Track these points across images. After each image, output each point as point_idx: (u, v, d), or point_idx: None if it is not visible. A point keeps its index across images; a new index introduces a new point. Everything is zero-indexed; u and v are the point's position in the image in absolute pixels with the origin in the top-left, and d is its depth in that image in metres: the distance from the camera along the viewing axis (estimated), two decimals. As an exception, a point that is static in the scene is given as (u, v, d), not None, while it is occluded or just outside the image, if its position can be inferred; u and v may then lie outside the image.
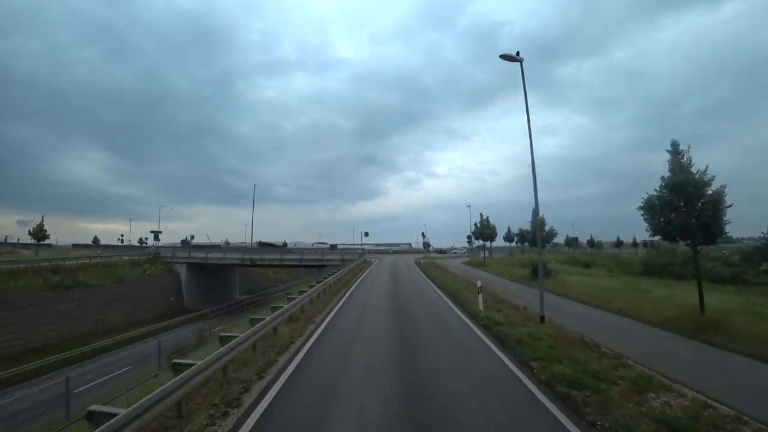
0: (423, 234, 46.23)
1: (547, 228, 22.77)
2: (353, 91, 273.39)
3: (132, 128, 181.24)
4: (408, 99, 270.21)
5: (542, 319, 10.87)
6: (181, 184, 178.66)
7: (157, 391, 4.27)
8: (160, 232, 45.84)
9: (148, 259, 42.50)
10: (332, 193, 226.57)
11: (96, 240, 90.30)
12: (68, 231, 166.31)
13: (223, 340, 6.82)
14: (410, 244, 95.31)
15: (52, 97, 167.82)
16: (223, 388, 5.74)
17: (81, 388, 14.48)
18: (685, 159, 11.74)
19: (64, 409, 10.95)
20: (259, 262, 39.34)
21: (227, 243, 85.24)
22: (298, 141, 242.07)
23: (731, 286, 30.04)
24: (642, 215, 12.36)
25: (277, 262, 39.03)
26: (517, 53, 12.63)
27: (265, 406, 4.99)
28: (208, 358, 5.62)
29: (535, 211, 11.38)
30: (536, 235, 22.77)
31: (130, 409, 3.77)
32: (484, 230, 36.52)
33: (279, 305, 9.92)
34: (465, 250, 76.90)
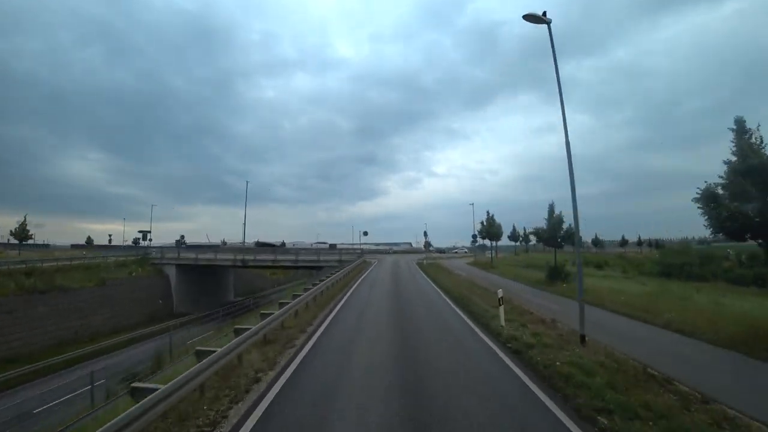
0: (425, 233, 44.06)
1: (564, 226, 20.53)
2: (353, 91, 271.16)
3: (132, 128, 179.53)
4: (408, 99, 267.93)
5: (582, 339, 8.66)
6: (181, 184, 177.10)
7: None
8: (149, 232, 43.73)
9: (136, 260, 40.34)
10: (332, 193, 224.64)
11: (89, 240, 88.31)
12: (69, 231, 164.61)
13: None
14: (410, 243, 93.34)
15: (52, 97, 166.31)
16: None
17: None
18: (754, 139, 9.52)
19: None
20: (251, 264, 37.16)
21: (224, 243, 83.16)
22: (298, 141, 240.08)
23: (755, 288, 27.87)
24: (699, 208, 10.17)
25: (270, 263, 36.81)
26: (544, 13, 10.42)
27: None
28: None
29: (574, 206, 9.14)
30: (556, 234, 20.70)
31: None
32: (491, 229, 34.33)
33: (246, 326, 7.71)
34: (466, 250, 74.71)
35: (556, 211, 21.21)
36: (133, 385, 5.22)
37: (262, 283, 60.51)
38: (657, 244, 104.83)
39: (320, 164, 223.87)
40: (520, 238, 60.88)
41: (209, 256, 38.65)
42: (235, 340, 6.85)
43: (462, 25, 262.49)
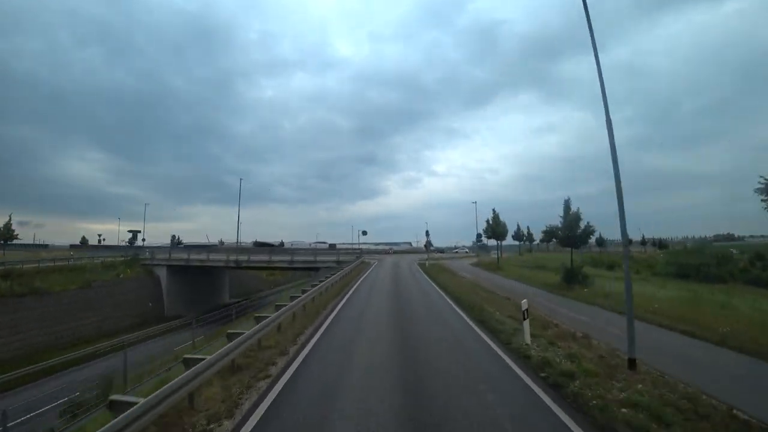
0: (427, 233, 42.38)
1: (582, 224, 18.72)
2: (353, 91, 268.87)
3: (132, 128, 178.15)
4: (408, 98, 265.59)
5: (632, 363, 6.94)
6: (181, 184, 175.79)
7: None
8: (139, 231, 42.00)
9: (125, 261, 38.65)
10: (332, 193, 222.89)
11: (84, 240, 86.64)
12: (69, 231, 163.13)
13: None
14: (410, 243, 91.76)
15: (51, 97, 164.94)
16: None
17: None
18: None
19: None
20: (245, 265, 35.43)
21: (221, 243, 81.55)
22: (298, 141, 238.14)
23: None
24: (762, 200, 8.44)
25: (265, 265, 35.08)
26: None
27: None
28: None
29: (619, 196, 7.43)
30: (573, 232, 18.85)
31: None
32: (497, 228, 32.54)
33: (200, 356, 6.00)
34: (466, 250, 72.96)
35: (565, 209, 19.46)
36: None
37: (259, 284, 58.85)
38: (660, 244, 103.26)
39: (320, 164, 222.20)
40: (524, 238, 59.10)
41: (201, 256, 36.95)
42: (187, 373, 5.14)
43: (462, 24, 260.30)
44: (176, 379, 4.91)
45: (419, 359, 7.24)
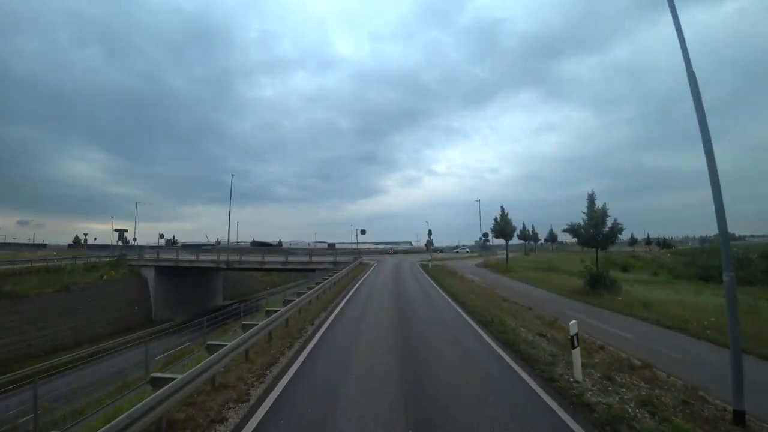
0: (429, 232, 40.20)
1: (609, 222, 16.50)
2: (353, 90, 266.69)
3: (132, 128, 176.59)
4: (408, 97, 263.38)
5: (739, 417, 4.84)
6: (181, 183, 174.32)
7: None
8: (126, 230, 39.99)
9: (110, 262, 36.57)
10: (332, 192, 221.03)
11: (77, 240, 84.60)
12: (69, 231, 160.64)
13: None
14: (410, 242, 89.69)
15: (51, 97, 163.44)
16: None
17: None
18: None
19: None
20: (236, 266, 33.32)
21: (218, 242, 79.57)
22: (298, 140, 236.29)
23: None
24: None
25: (257, 266, 32.97)
26: None
27: None
28: None
29: (715, 192, 5.25)
30: (598, 231, 16.55)
31: None
32: (506, 227, 30.35)
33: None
34: (467, 250, 70.93)
35: (590, 204, 17.28)
36: None
37: (255, 285, 56.70)
38: (665, 244, 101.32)
39: (320, 163, 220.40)
40: (529, 237, 57.07)
41: (191, 257, 34.87)
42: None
43: (462, 23, 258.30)
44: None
45: (433, 413, 5.08)
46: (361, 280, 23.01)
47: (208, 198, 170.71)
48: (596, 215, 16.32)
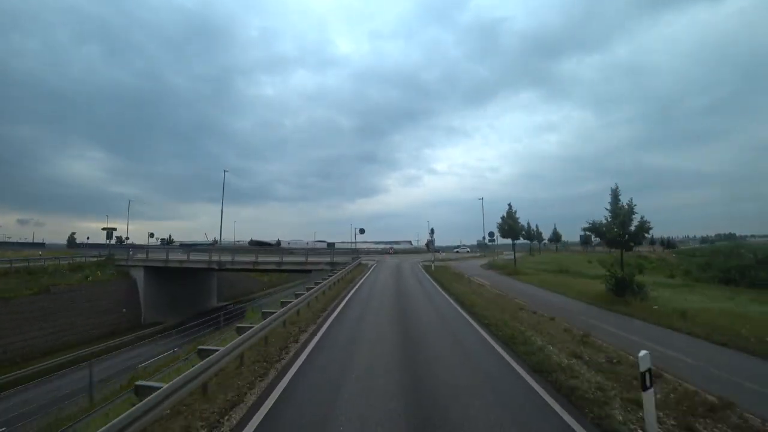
0: (431, 231, 38.50)
1: (635, 220, 14.80)
2: (353, 89, 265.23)
3: (132, 126, 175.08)
4: (408, 96, 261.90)
5: None
6: (181, 182, 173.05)
7: None
8: (114, 229, 38.30)
9: (97, 262, 34.93)
10: (333, 191, 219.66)
11: (72, 239, 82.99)
12: (69, 230, 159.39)
13: None
14: (410, 242, 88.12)
15: (51, 96, 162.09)
16: None
17: None
18: None
19: None
20: (229, 266, 31.65)
21: (215, 241, 77.96)
22: (298, 139, 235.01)
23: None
24: None
25: (250, 267, 31.30)
26: None
27: None
28: None
29: None
30: (624, 230, 14.82)
31: None
32: (514, 225, 28.63)
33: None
34: (468, 249, 69.35)
35: (613, 200, 15.56)
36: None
37: (252, 285, 55.07)
38: (669, 244, 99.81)
39: (320, 162, 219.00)
40: (534, 237, 55.38)
41: (181, 257, 33.20)
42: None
43: (463, 21, 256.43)
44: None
45: None
46: (360, 281, 21.34)
47: (208, 197, 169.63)
48: (622, 213, 14.62)
